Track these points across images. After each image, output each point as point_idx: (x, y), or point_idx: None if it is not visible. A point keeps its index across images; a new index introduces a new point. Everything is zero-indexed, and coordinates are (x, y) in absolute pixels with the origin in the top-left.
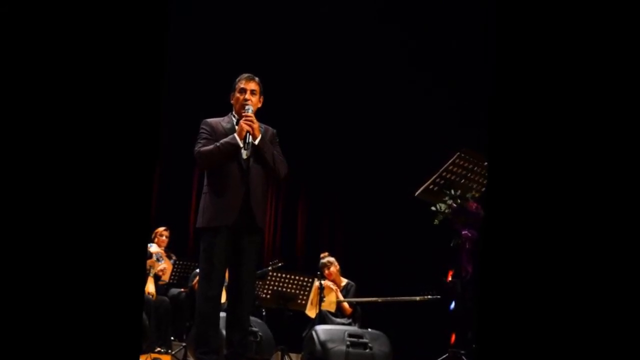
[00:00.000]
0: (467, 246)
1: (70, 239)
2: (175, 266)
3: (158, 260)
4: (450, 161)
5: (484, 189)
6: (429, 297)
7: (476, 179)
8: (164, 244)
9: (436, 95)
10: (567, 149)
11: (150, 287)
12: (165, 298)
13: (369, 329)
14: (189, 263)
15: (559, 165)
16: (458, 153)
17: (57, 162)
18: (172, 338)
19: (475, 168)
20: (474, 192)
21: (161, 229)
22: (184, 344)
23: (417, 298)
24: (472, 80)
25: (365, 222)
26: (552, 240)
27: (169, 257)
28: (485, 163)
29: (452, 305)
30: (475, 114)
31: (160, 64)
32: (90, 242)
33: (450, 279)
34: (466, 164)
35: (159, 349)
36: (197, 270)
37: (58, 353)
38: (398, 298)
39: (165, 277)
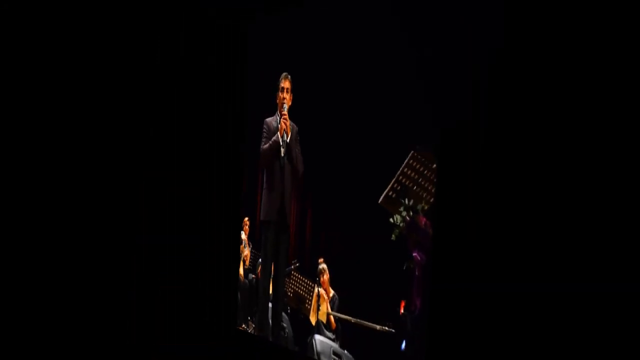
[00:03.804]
0: (417, 273)
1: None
2: (251, 254)
3: (245, 246)
4: (405, 162)
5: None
6: (386, 329)
7: (426, 185)
8: (246, 233)
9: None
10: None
11: (240, 269)
12: (246, 281)
13: (345, 351)
14: (258, 252)
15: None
16: (412, 152)
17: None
18: (248, 317)
19: (426, 172)
20: (423, 203)
21: (245, 219)
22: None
23: (377, 327)
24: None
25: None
26: (512, 267)
27: (248, 245)
28: (434, 165)
29: (403, 346)
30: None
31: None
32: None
33: (402, 311)
34: (419, 167)
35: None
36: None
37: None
38: (361, 321)
39: (247, 263)
